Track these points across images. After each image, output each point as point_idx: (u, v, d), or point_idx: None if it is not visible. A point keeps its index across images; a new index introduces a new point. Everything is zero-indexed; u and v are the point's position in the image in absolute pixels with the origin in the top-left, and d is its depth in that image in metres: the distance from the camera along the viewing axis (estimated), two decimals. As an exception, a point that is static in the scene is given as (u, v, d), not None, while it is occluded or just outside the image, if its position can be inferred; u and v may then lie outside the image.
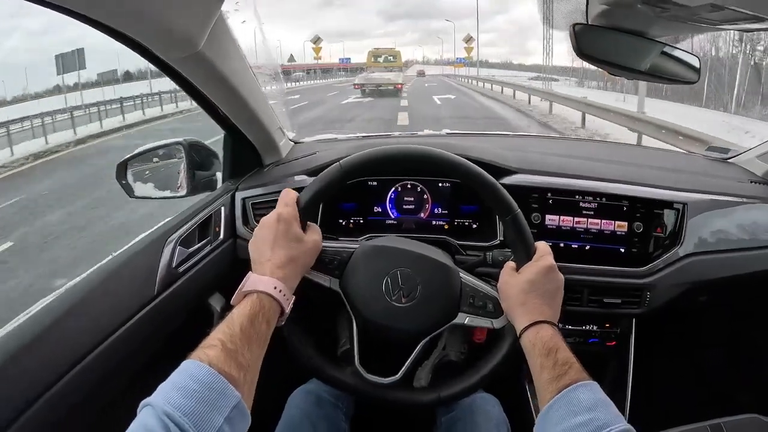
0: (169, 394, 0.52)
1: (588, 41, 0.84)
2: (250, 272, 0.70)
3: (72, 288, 0.83)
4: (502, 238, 1.05)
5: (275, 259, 0.71)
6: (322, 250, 0.81)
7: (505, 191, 0.81)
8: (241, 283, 0.68)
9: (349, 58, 69.08)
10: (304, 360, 0.83)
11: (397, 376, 0.81)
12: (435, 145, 0.84)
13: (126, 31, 0.72)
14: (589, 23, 0.88)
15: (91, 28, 0.68)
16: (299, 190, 1.10)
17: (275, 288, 0.67)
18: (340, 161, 0.81)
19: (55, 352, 0.71)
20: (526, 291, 0.75)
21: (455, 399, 0.83)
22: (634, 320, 1.14)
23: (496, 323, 0.80)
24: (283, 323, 0.70)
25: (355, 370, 0.82)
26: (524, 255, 0.79)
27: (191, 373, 0.54)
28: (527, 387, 1.16)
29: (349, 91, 23.79)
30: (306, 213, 0.78)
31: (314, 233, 0.78)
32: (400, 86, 22.27)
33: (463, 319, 0.81)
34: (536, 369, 0.68)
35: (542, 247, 0.80)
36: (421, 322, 0.81)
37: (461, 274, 0.84)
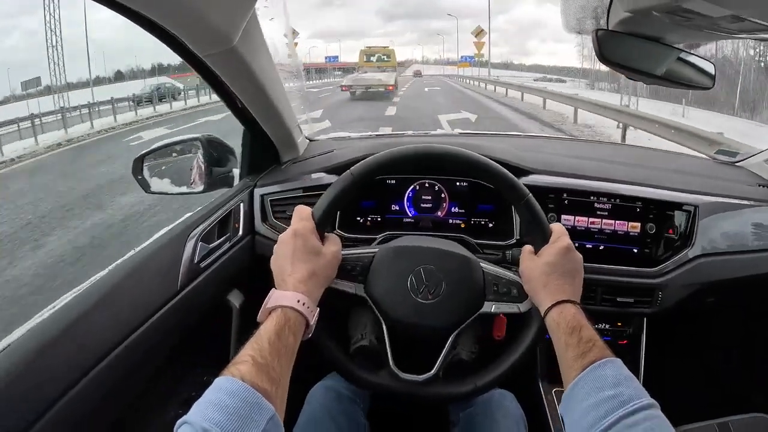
0: (206, 411, 0.53)
1: (610, 47, 0.86)
2: (273, 289, 0.71)
3: (97, 283, 0.84)
4: (518, 237, 1.07)
5: (296, 274, 0.72)
6: (343, 258, 0.82)
7: (514, 177, 0.82)
8: (265, 300, 0.69)
9: (336, 57, 66.86)
10: (340, 367, 0.85)
11: (431, 372, 0.82)
12: (448, 144, 0.86)
13: (164, 24, 0.73)
14: (609, 29, 0.90)
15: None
16: (317, 187, 1.12)
17: (299, 301, 0.68)
18: (351, 169, 0.82)
19: (82, 347, 0.72)
20: (547, 273, 0.76)
21: (491, 387, 0.84)
22: (645, 320, 1.16)
23: (522, 307, 0.82)
24: (309, 336, 0.72)
25: (390, 371, 0.83)
26: (541, 238, 0.80)
27: (225, 388, 0.55)
28: (541, 384, 1.19)
29: (336, 94, 21.93)
30: (322, 225, 0.79)
31: (333, 244, 0.79)
32: (391, 88, 20.78)
33: (490, 307, 0.83)
34: (561, 347, 0.70)
35: (558, 228, 0.81)
36: (449, 316, 0.82)
37: (482, 264, 0.85)
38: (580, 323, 0.70)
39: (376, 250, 0.86)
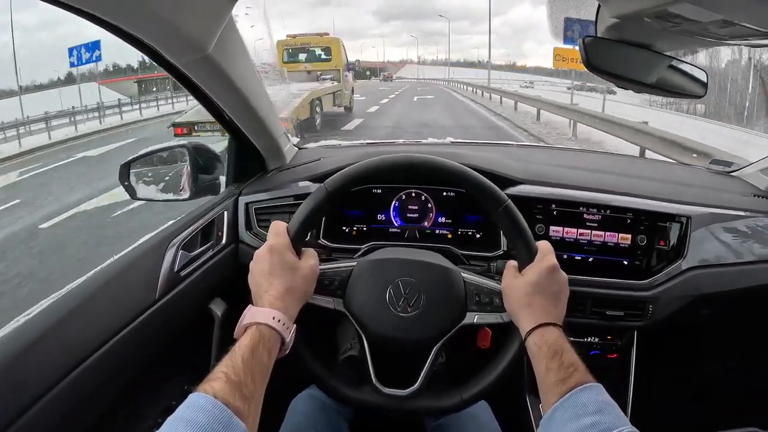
0: (177, 428, 0.52)
1: (597, 54, 0.84)
2: (249, 305, 0.71)
3: (73, 290, 0.82)
4: (505, 249, 1.05)
5: (273, 291, 0.71)
6: (321, 272, 0.80)
7: (491, 183, 0.80)
8: (241, 317, 0.69)
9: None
10: (323, 384, 0.83)
11: (415, 385, 0.81)
12: (438, 154, 0.84)
13: (135, 32, 0.72)
14: (598, 36, 0.88)
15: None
16: (303, 196, 1.10)
17: (274, 318, 0.68)
18: (325, 182, 0.81)
19: (55, 355, 0.71)
20: (530, 293, 0.74)
21: (477, 399, 0.82)
22: (636, 333, 1.13)
23: (505, 316, 0.80)
24: (286, 353, 0.71)
25: (373, 387, 0.81)
26: (526, 255, 0.78)
27: (198, 405, 0.54)
28: (527, 398, 1.16)
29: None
30: (298, 240, 0.78)
31: (310, 258, 0.78)
32: (342, 108, 13.77)
33: (472, 318, 0.81)
34: (541, 371, 0.68)
35: (544, 246, 0.79)
36: (431, 329, 0.80)
37: (463, 274, 0.83)
38: (563, 347, 0.68)
39: (355, 263, 0.84)
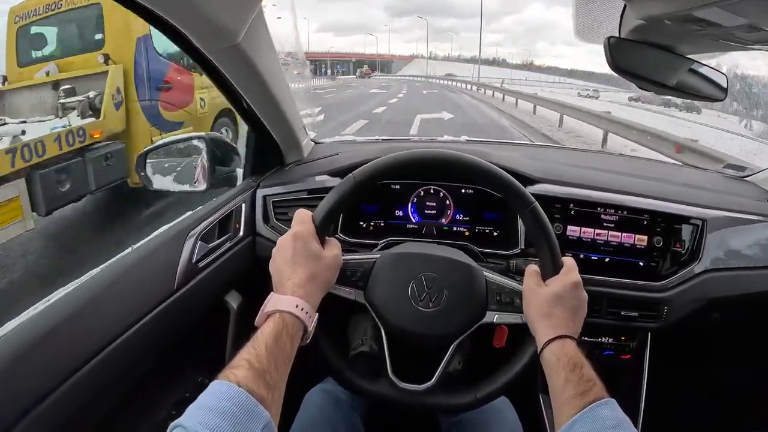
0: (200, 415, 0.52)
1: (621, 54, 0.85)
2: (272, 293, 0.71)
3: (92, 279, 0.83)
4: (523, 247, 1.06)
5: (295, 278, 0.71)
6: (344, 263, 0.81)
7: (519, 184, 0.81)
8: (264, 304, 0.68)
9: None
10: (339, 376, 0.84)
11: (431, 382, 0.81)
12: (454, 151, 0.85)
13: (169, 18, 0.73)
14: (622, 37, 0.90)
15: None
16: (321, 190, 1.12)
17: (297, 306, 0.68)
18: (353, 173, 0.81)
19: (73, 344, 0.71)
20: (552, 304, 0.75)
21: (491, 398, 0.83)
22: (649, 334, 1.15)
23: (524, 318, 0.81)
24: (308, 341, 0.71)
25: (389, 380, 0.82)
26: (551, 266, 0.79)
27: (221, 393, 0.55)
28: (541, 397, 1.17)
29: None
30: (323, 229, 0.78)
31: (333, 248, 0.78)
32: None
33: (492, 317, 0.82)
34: (559, 383, 0.69)
35: (569, 262, 0.80)
36: (451, 326, 0.81)
37: (485, 273, 0.84)
38: (582, 361, 0.69)
39: (378, 255, 0.85)
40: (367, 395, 0.85)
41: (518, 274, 0.89)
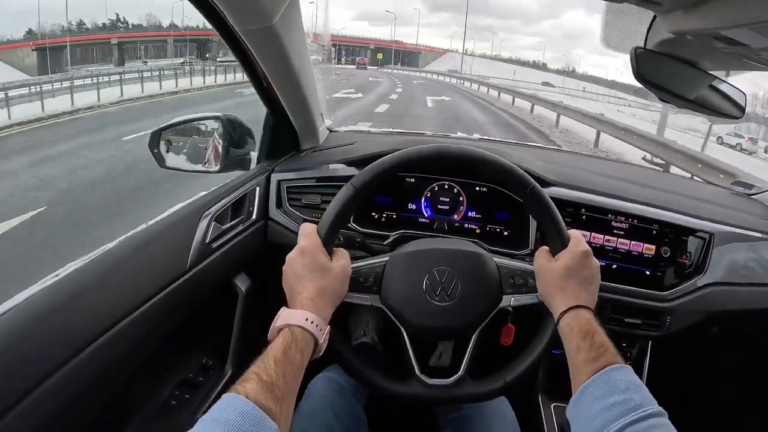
0: (210, 428, 0.54)
1: (646, 65, 0.88)
2: (283, 308, 0.73)
3: (105, 254, 0.84)
4: (533, 248, 1.10)
5: (305, 292, 0.73)
6: (355, 270, 0.82)
7: (517, 168, 0.83)
8: (275, 319, 0.70)
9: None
10: (374, 384, 0.85)
11: (459, 373, 0.83)
12: None
13: None
14: (647, 48, 0.93)
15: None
16: (335, 178, 1.14)
17: (307, 320, 0.69)
18: (352, 180, 0.82)
19: (83, 320, 0.73)
20: (564, 277, 0.78)
21: (521, 381, 0.84)
22: (650, 342, 1.19)
23: (540, 297, 0.83)
24: (320, 354, 0.72)
25: (418, 378, 0.83)
26: (559, 242, 0.82)
27: (231, 406, 0.56)
28: (540, 397, 1.21)
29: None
30: (328, 240, 0.79)
31: (341, 258, 0.80)
32: None
33: (509, 300, 0.84)
34: (572, 351, 0.72)
35: (576, 234, 0.84)
36: (470, 315, 0.83)
37: (495, 258, 0.87)
38: (594, 329, 0.73)
39: (387, 258, 0.86)
40: (401, 398, 0.86)
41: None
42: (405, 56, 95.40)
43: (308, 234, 0.79)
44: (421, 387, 0.83)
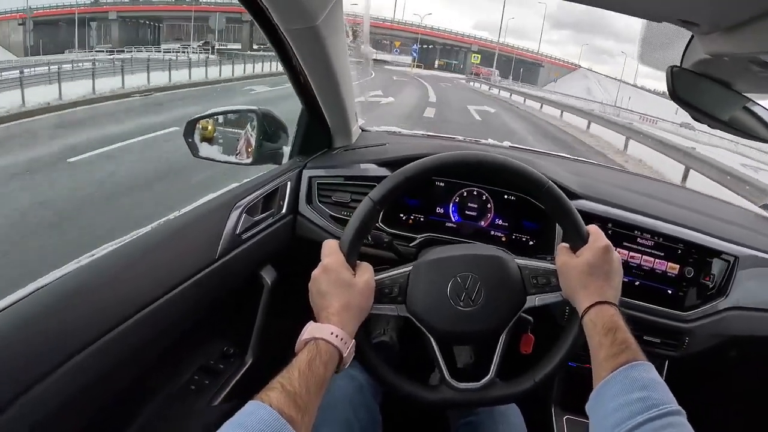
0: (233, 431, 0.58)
1: (682, 85, 0.92)
2: (310, 321, 0.76)
3: (135, 240, 0.88)
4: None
5: (330, 308, 0.77)
6: (379, 282, 0.85)
7: (532, 169, 0.87)
8: (302, 332, 0.74)
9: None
10: (406, 393, 0.87)
11: (489, 376, 0.86)
12: None
13: None
14: (683, 67, 0.96)
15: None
16: (366, 178, 1.19)
17: (332, 333, 0.73)
18: (370, 194, 0.85)
19: (114, 301, 0.76)
20: (587, 273, 0.81)
21: (551, 379, 0.86)
22: (667, 362, 1.21)
23: (564, 295, 0.86)
24: (345, 368, 0.75)
25: (449, 384, 0.86)
26: (578, 238, 0.85)
27: (254, 414, 0.59)
28: (553, 409, 1.24)
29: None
30: (351, 255, 0.82)
31: (365, 273, 0.83)
32: None
33: (533, 301, 0.87)
34: (594, 347, 0.75)
35: (594, 229, 0.86)
36: (496, 318, 0.86)
37: (516, 260, 0.90)
38: (617, 324, 0.75)
39: (410, 268, 0.89)
40: (434, 406, 0.88)
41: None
42: (520, 67, 70.43)
43: (331, 251, 0.82)
44: (452, 393, 0.86)
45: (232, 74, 21.81)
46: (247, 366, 1.11)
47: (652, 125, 25.83)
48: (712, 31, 0.80)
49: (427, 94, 23.00)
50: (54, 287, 0.72)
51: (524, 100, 25.96)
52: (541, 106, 23.15)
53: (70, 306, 0.71)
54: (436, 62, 72.20)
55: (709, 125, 1.01)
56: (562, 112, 19.98)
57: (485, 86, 37.35)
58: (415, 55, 63.69)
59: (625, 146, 12.76)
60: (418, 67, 60.34)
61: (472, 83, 41.92)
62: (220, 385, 1.05)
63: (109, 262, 0.81)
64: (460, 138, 1.72)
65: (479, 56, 66.14)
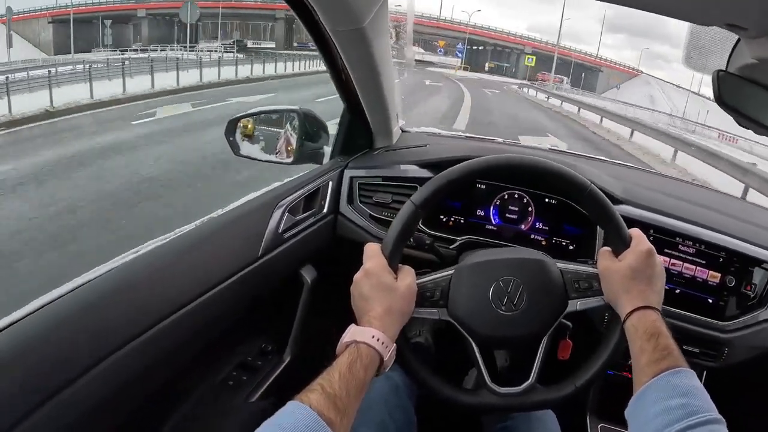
0: (272, 431, 0.59)
1: (728, 90, 0.91)
2: (352, 324, 0.77)
3: (179, 238, 0.91)
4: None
5: (372, 312, 0.77)
6: (421, 285, 0.85)
7: (573, 171, 0.86)
8: (343, 335, 0.75)
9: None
10: (436, 391, 0.87)
11: (530, 380, 0.85)
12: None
13: None
14: (729, 71, 0.96)
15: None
16: (407, 179, 1.21)
17: (373, 337, 0.73)
18: (411, 198, 0.86)
19: (158, 297, 0.78)
20: (630, 278, 0.81)
21: (591, 384, 0.86)
22: (705, 373, 1.18)
23: (606, 298, 0.85)
24: (386, 371, 0.76)
25: (490, 388, 0.86)
26: (621, 242, 0.84)
27: (294, 414, 0.60)
28: (588, 417, 1.23)
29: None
30: (393, 259, 0.83)
31: (407, 277, 0.83)
32: None
33: (575, 305, 0.86)
34: (636, 352, 0.75)
35: (637, 233, 0.86)
36: (537, 322, 0.86)
37: (558, 264, 0.89)
38: (659, 330, 0.75)
39: (452, 271, 0.89)
40: (471, 410, 0.91)
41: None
42: (580, 72, 64.29)
43: (373, 255, 0.83)
44: (493, 397, 0.85)
45: (263, 72, 22.40)
46: (285, 363, 1.13)
47: (732, 144, 21.87)
48: (760, 36, 0.80)
49: (457, 110, 17.70)
50: (94, 285, 0.74)
51: (600, 120, 19.00)
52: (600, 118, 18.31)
53: (111, 303, 0.73)
54: (486, 65, 67.03)
55: (755, 131, 1.00)
56: (632, 132, 15.61)
57: (541, 94, 30.65)
58: (460, 55, 60.34)
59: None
60: (465, 69, 56.31)
61: (526, 90, 35.23)
62: (257, 381, 1.07)
63: (151, 259, 0.83)
64: (500, 140, 1.73)
65: (534, 58, 59.70)
